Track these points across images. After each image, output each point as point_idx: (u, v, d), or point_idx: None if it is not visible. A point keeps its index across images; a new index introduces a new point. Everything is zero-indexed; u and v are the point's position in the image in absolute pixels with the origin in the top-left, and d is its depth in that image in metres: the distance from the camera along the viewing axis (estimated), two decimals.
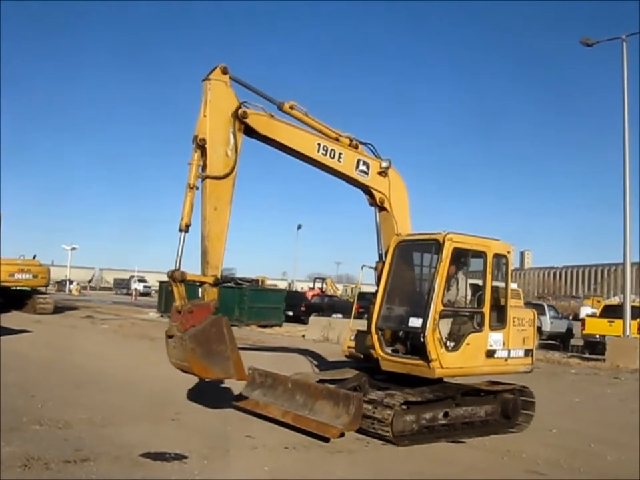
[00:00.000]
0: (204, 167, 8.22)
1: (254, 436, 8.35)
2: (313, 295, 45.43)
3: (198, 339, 7.63)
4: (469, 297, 9.58)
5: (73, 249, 77.30)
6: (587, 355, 25.06)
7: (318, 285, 60.87)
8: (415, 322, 8.99)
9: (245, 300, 30.24)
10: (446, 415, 9.13)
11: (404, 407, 8.56)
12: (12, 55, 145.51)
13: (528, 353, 9.97)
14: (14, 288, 28.08)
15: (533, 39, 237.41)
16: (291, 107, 9.29)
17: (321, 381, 9.72)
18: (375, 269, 10.17)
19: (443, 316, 8.94)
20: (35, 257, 30.54)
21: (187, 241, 8.04)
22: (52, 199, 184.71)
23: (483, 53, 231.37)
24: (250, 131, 8.75)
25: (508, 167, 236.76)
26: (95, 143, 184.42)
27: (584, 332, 27.49)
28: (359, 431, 8.52)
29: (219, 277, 8.15)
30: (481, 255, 9.46)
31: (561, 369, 20.34)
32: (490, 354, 9.35)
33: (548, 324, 29.01)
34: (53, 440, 7.43)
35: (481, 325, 9.29)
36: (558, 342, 29.96)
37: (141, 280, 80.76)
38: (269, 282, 60.90)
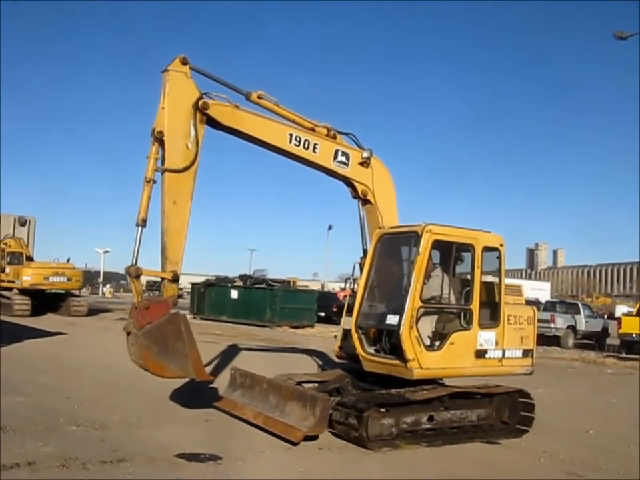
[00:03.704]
0: (163, 160, 7.95)
1: None
2: (344, 296, 45.32)
3: (153, 336, 7.44)
4: (455, 293, 9.03)
5: (106, 252, 78.09)
6: (623, 355, 24.68)
7: (349, 285, 60.65)
8: (392, 319, 8.47)
9: (277, 301, 30.40)
10: (431, 418, 8.47)
11: (382, 409, 8.05)
12: (10, 57, 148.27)
13: (527, 353, 9.34)
14: (49, 291, 28.57)
15: (531, 35, 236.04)
16: (259, 97, 8.78)
17: (306, 382, 9.31)
18: (360, 264, 9.69)
19: (426, 313, 8.51)
20: (68, 260, 31.10)
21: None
22: (75, 202, 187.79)
23: (482, 49, 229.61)
24: (214, 123, 8.40)
25: (541, 167, 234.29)
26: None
27: (620, 331, 27.04)
28: (336, 435, 8.19)
29: (178, 272, 7.89)
30: (468, 247, 8.90)
31: (596, 368, 20.07)
32: (480, 354, 8.77)
33: (583, 323, 28.58)
34: (90, 440, 7.50)
35: (469, 323, 8.72)
36: (593, 341, 29.53)
37: None
38: (300, 283, 60.84)
